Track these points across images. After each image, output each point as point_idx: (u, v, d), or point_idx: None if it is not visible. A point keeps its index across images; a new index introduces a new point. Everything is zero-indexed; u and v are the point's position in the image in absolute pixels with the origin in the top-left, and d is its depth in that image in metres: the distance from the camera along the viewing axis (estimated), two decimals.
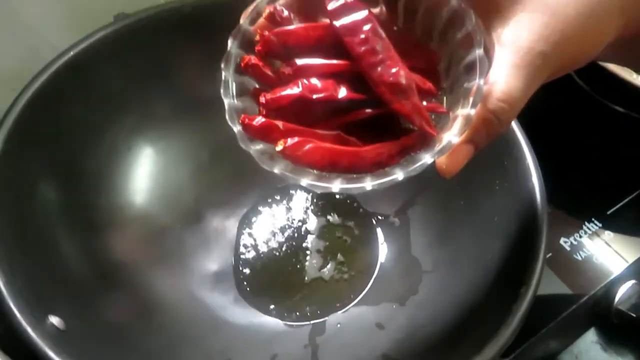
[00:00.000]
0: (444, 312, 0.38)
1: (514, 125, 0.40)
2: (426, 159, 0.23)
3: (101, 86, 0.42)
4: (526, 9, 0.24)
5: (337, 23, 0.24)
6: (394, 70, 0.23)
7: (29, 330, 0.29)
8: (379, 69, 0.24)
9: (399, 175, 0.23)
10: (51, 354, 0.28)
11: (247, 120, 0.25)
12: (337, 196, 0.49)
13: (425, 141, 0.24)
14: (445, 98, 0.26)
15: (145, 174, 0.46)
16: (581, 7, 0.24)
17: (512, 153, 0.39)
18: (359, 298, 0.43)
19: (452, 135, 0.23)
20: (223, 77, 0.26)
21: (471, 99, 0.23)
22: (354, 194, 0.48)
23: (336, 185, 0.24)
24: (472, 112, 0.23)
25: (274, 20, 0.26)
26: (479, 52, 0.23)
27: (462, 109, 0.23)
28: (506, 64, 0.23)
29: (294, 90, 0.24)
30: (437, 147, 0.23)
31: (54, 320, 0.31)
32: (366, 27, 0.24)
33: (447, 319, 0.37)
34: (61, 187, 0.39)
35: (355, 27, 0.24)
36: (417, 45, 0.27)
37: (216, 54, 0.46)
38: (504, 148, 0.40)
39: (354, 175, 0.24)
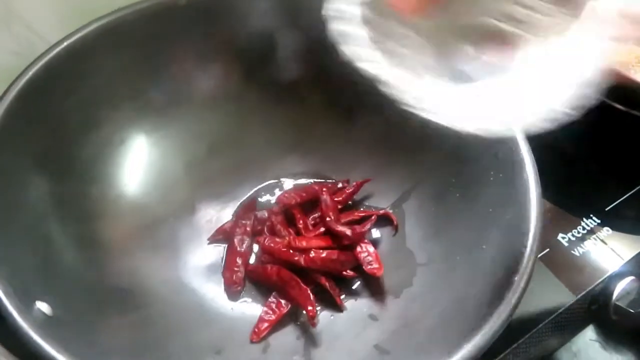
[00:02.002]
0: (437, 303, 0.38)
1: None
2: None
3: (95, 77, 0.42)
4: None
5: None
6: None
7: (15, 314, 0.28)
8: None
9: None
10: (36, 338, 0.28)
11: None
12: None
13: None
14: None
15: (139, 166, 0.45)
16: None
17: (506, 144, 0.39)
18: (352, 290, 0.43)
19: None
20: None
21: None
22: None
23: None
24: None
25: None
26: None
27: None
28: None
29: None
30: None
31: (42, 306, 0.31)
32: None
33: (440, 310, 0.37)
34: (53, 176, 0.39)
35: None
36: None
37: (211, 46, 0.47)
38: (498, 140, 0.40)
39: None
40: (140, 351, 0.35)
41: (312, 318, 0.39)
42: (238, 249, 0.43)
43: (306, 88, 0.49)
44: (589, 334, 0.49)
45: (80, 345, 0.30)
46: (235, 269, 0.42)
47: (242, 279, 0.42)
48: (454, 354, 0.29)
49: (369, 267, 0.42)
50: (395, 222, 0.46)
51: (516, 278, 0.32)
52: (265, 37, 0.47)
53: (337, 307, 0.41)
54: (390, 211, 0.46)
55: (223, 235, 0.45)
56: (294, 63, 0.49)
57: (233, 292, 0.42)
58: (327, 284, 0.41)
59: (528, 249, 0.33)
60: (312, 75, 0.49)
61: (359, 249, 0.43)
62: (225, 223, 0.46)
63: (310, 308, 0.39)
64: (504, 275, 0.33)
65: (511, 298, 0.31)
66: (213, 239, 0.45)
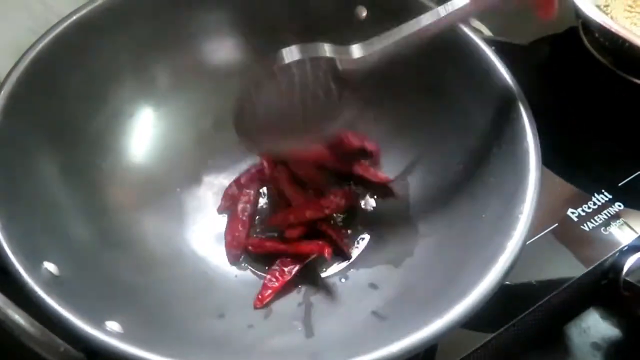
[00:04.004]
0: (436, 271, 0.38)
1: (513, 87, 0.40)
2: None
3: (104, 50, 0.43)
4: None
5: None
6: None
7: (21, 271, 0.30)
8: None
9: None
10: (41, 293, 0.29)
11: None
12: None
13: None
14: None
15: (147, 139, 0.46)
16: None
17: (509, 115, 0.39)
18: (354, 260, 0.43)
19: None
20: None
21: None
22: None
23: None
24: None
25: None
26: None
27: None
28: None
29: None
30: None
31: (49, 266, 0.32)
32: None
33: (438, 277, 0.37)
34: (62, 147, 0.40)
35: None
36: None
37: (217, 22, 0.47)
38: (502, 111, 0.40)
39: None
40: (145, 313, 0.36)
41: (329, 255, 0.41)
42: (240, 216, 0.44)
43: None
44: (599, 311, 0.49)
45: (85, 304, 0.30)
46: (237, 234, 0.43)
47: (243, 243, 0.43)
48: (445, 315, 0.29)
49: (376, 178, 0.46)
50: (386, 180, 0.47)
51: (509, 243, 0.32)
52: (271, 13, 0.48)
53: (345, 255, 0.43)
54: (393, 178, 0.47)
55: (231, 200, 0.46)
56: (299, 39, 0.49)
57: (233, 254, 0.43)
58: (330, 231, 0.43)
59: (524, 215, 0.33)
60: None
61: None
62: (228, 187, 0.47)
63: (327, 249, 0.41)
64: (500, 242, 0.33)
65: (503, 263, 0.31)
66: (223, 208, 0.46)
